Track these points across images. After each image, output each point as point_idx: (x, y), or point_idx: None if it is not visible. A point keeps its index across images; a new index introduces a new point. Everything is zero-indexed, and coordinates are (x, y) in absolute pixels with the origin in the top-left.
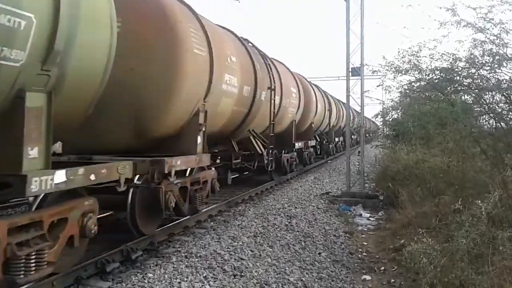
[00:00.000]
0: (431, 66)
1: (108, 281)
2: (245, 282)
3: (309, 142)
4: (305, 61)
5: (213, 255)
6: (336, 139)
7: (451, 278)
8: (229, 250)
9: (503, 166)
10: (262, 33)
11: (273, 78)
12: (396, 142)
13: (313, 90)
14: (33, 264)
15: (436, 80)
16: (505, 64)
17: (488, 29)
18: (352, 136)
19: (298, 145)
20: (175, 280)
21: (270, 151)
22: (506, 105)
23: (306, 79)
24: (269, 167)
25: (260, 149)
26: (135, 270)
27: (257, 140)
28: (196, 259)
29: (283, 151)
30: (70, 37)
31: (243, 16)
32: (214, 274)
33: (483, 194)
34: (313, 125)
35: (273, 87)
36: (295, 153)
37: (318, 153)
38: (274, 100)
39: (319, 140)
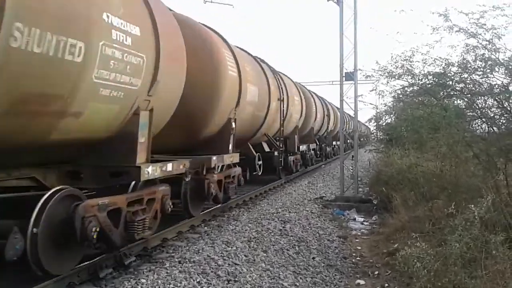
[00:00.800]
0: (424, 71)
1: (100, 287)
2: (239, 287)
3: (213, 159)
4: (299, 66)
5: (207, 260)
6: (304, 148)
7: (444, 282)
8: (223, 255)
9: (495, 171)
10: (256, 37)
11: None
12: (389, 147)
13: (233, 55)
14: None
15: (429, 85)
16: (497, 69)
17: (480, 34)
18: (334, 143)
19: (148, 173)
20: (168, 285)
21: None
22: (499, 110)
23: (218, 33)
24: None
25: None
26: (128, 276)
27: None
28: (190, 264)
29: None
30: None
31: (238, 20)
32: (207, 280)
33: (476, 198)
34: (232, 124)
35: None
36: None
37: (260, 173)
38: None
39: (269, 150)
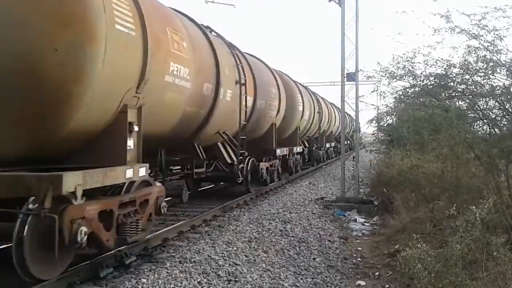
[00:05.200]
0: (425, 72)
1: (101, 286)
2: (239, 287)
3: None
4: (301, 66)
5: (208, 260)
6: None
7: (445, 284)
8: (223, 255)
9: (497, 172)
10: (258, 38)
11: None
12: (390, 148)
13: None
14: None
15: (431, 86)
16: (498, 71)
17: (482, 35)
18: (317, 146)
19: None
20: (169, 285)
21: None
22: (500, 111)
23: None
24: None
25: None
26: (128, 276)
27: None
28: (190, 264)
29: None
30: None
31: (240, 20)
32: (208, 280)
33: (477, 199)
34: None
35: None
36: None
37: None
38: None
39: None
